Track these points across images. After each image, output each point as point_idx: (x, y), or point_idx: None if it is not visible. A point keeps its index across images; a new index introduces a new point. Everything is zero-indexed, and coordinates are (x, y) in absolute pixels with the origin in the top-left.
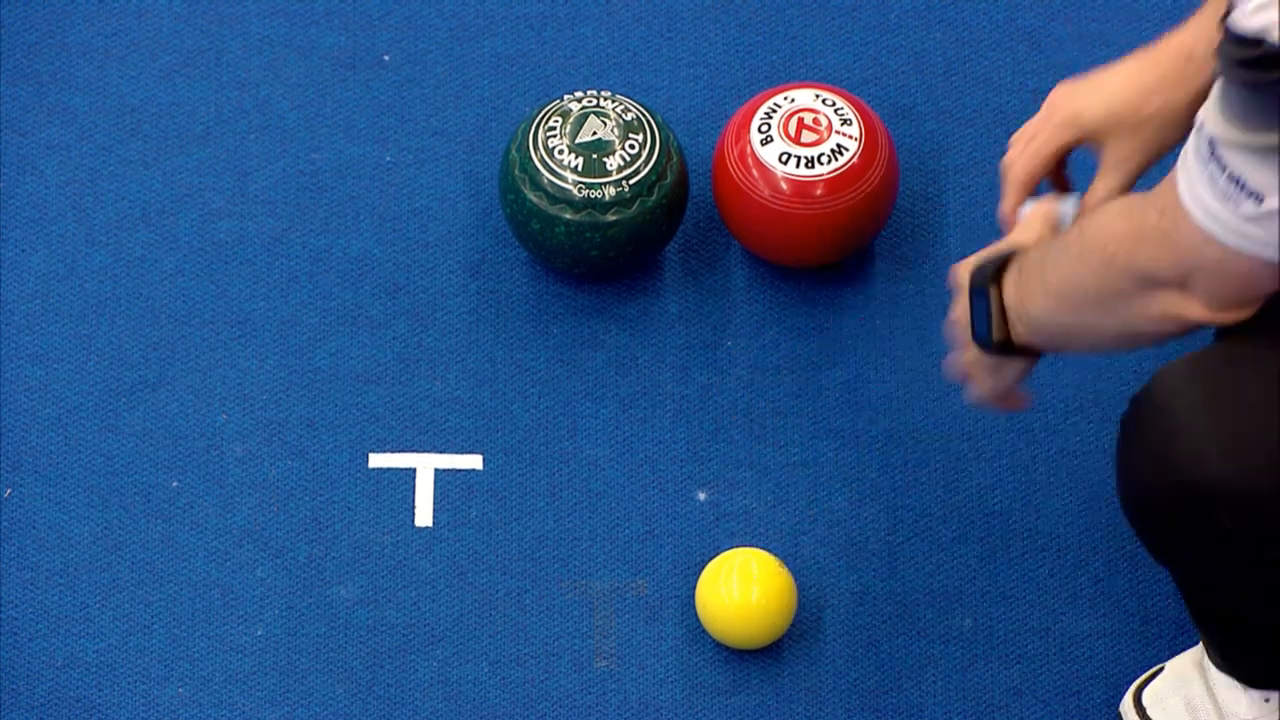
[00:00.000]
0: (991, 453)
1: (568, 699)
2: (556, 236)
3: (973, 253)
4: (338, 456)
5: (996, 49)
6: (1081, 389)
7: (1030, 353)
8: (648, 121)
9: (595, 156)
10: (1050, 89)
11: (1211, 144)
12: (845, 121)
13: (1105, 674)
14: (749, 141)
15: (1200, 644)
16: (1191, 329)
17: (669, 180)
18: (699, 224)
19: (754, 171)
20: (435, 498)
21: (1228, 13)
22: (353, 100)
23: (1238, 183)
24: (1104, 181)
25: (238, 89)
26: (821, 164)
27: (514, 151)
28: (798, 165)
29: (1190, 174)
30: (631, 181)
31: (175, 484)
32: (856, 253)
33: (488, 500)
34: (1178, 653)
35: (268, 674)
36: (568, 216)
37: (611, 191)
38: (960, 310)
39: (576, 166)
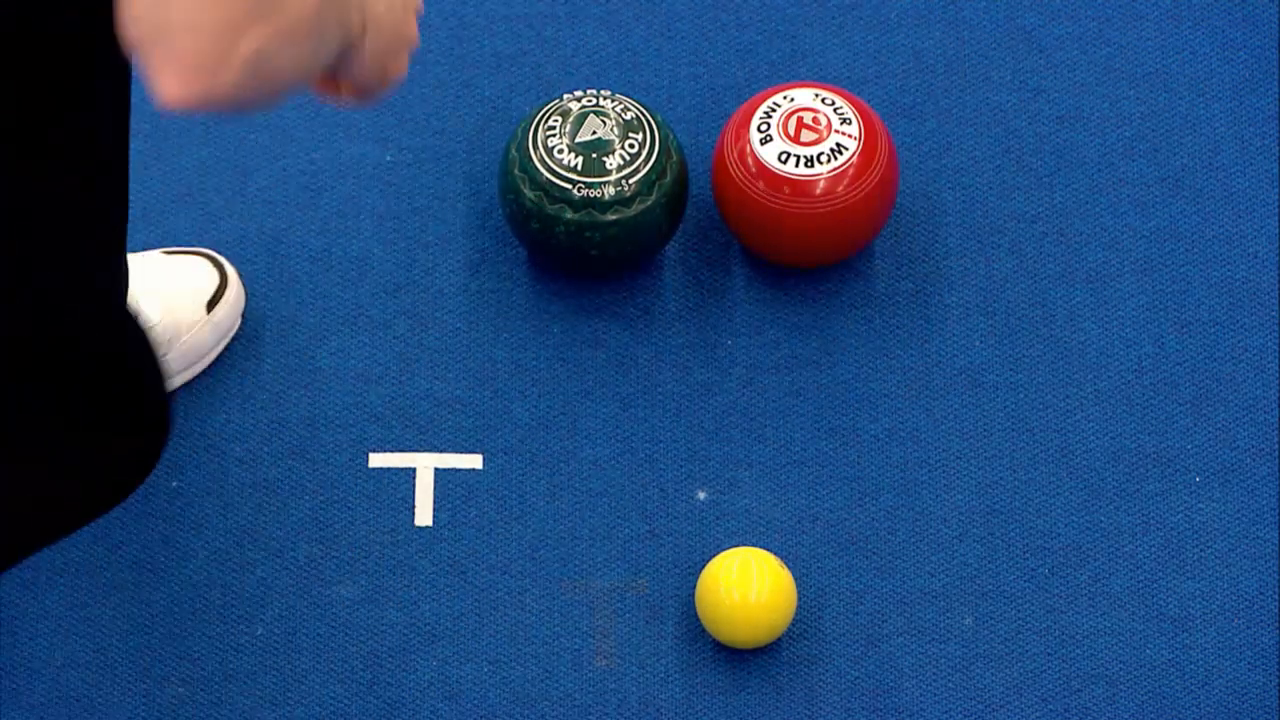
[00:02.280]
0: (991, 452)
1: (568, 699)
2: (556, 236)
3: (973, 252)
4: (338, 456)
5: (996, 48)
6: (1082, 386)
7: None
8: (647, 121)
9: (595, 156)
10: (1050, 89)
11: None
12: (845, 121)
13: (1105, 673)
14: (748, 141)
15: None
16: None
17: (669, 180)
18: (699, 224)
19: (754, 171)
20: (435, 498)
21: None
22: None
23: None
24: None
25: None
26: (821, 163)
27: (514, 151)
28: (797, 164)
29: None
30: (631, 181)
31: (175, 484)
32: (856, 253)
33: (488, 500)
34: (1177, 652)
35: (267, 673)
36: (568, 216)
37: (611, 191)
38: None
39: (576, 166)
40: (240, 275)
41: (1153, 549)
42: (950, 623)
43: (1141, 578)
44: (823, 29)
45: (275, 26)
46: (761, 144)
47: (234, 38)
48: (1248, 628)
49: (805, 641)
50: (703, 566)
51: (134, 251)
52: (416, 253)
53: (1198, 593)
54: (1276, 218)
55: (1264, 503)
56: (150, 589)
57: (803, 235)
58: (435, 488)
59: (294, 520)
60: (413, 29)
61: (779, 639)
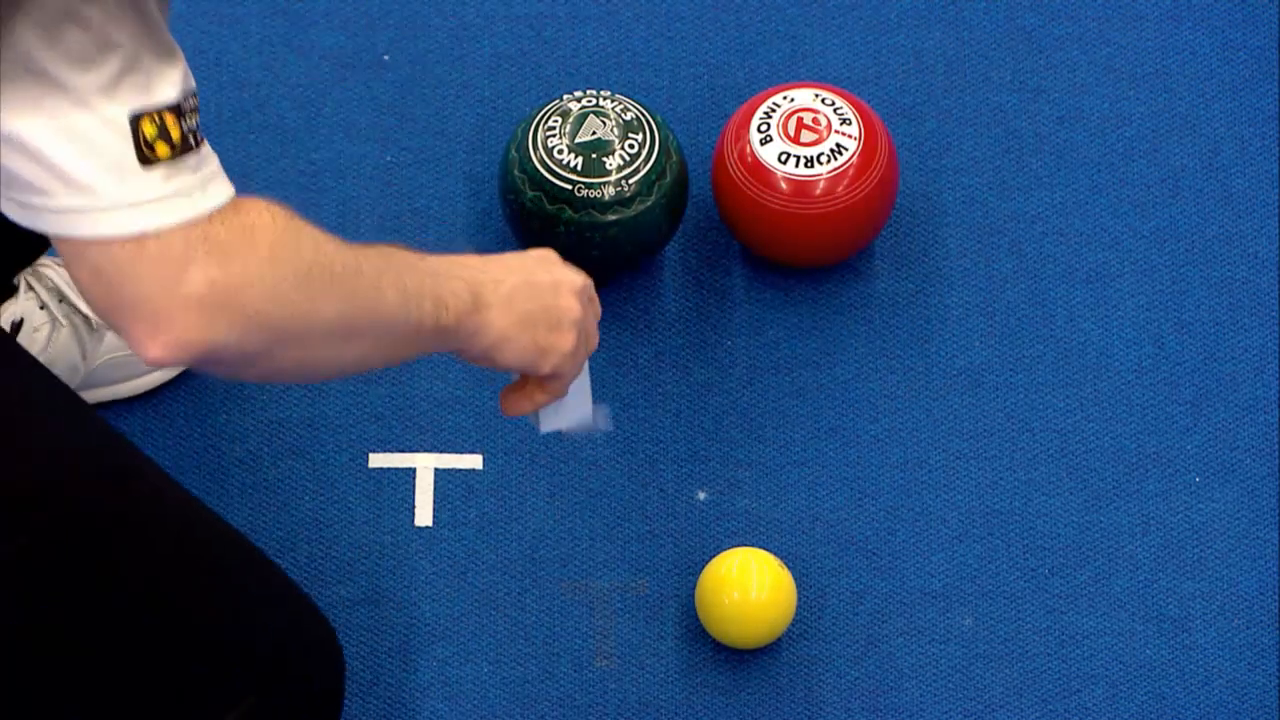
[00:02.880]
0: (991, 452)
1: (568, 699)
2: (556, 236)
3: (973, 252)
4: (338, 456)
5: (996, 48)
6: (1082, 386)
7: None
8: (647, 121)
9: (595, 156)
10: (1050, 89)
11: None
12: (845, 121)
13: (1105, 673)
14: (748, 141)
15: None
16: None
17: (669, 180)
18: (699, 224)
19: (754, 171)
20: (435, 498)
21: None
22: (353, 100)
23: None
24: None
25: (238, 89)
26: (821, 163)
27: (514, 151)
28: (797, 165)
29: None
30: (631, 181)
31: None
32: (856, 253)
33: (488, 500)
34: (1177, 651)
35: None
36: (568, 216)
37: (611, 191)
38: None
39: (576, 166)
40: None
41: (1153, 549)
42: (950, 623)
43: (1141, 578)
44: (823, 29)
45: (234, 260)
46: (761, 144)
47: (175, 273)
48: (1248, 628)
49: (805, 641)
50: (703, 566)
51: None
52: None
53: (1198, 593)
54: (1276, 218)
55: (1264, 503)
56: None
57: (803, 235)
58: (435, 488)
59: (294, 520)
60: (571, 308)
61: (779, 639)
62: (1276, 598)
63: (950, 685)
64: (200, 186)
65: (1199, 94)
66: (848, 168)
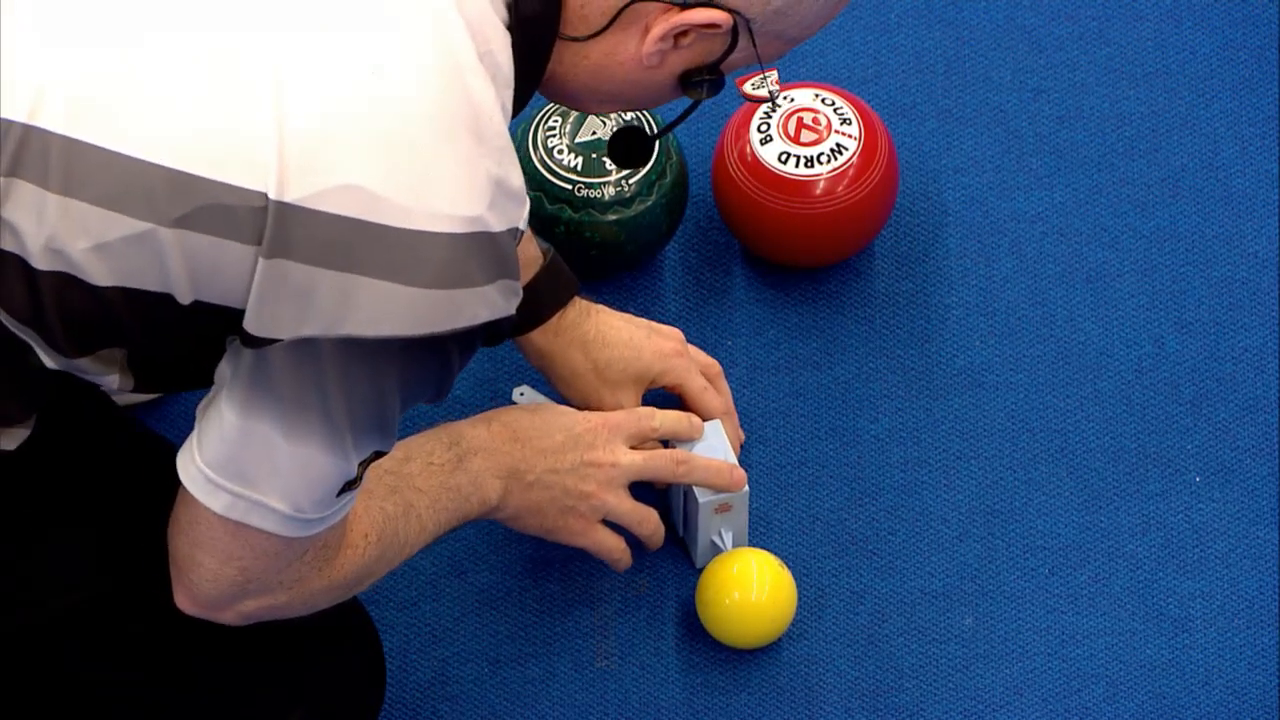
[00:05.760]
0: (991, 452)
1: (568, 699)
2: (556, 236)
3: (973, 252)
4: None
5: (996, 48)
6: (1082, 386)
7: None
8: (647, 121)
9: (595, 156)
10: (1050, 89)
11: None
12: (845, 121)
13: (1105, 673)
14: (748, 141)
15: None
16: None
17: (669, 180)
18: (699, 224)
19: (753, 171)
20: None
21: None
22: None
23: None
24: None
25: None
26: (821, 163)
27: None
28: (797, 164)
29: None
30: (631, 181)
31: None
32: (856, 253)
33: None
34: (1177, 651)
35: None
36: (567, 216)
37: (611, 191)
38: None
39: (576, 166)
40: None
41: (1153, 549)
42: (950, 623)
43: (1141, 578)
44: (823, 29)
45: (290, 596)
46: (761, 144)
47: (235, 598)
48: (1248, 628)
49: (805, 641)
50: (703, 566)
51: None
52: None
53: (1198, 593)
54: (1276, 218)
55: (1264, 503)
56: None
57: (803, 235)
58: None
59: None
60: (588, 495)
61: (779, 639)
62: (1276, 598)
63: (950, 685)
64: (345, 507)
65: (1199, 94)
66: (848, 168)
